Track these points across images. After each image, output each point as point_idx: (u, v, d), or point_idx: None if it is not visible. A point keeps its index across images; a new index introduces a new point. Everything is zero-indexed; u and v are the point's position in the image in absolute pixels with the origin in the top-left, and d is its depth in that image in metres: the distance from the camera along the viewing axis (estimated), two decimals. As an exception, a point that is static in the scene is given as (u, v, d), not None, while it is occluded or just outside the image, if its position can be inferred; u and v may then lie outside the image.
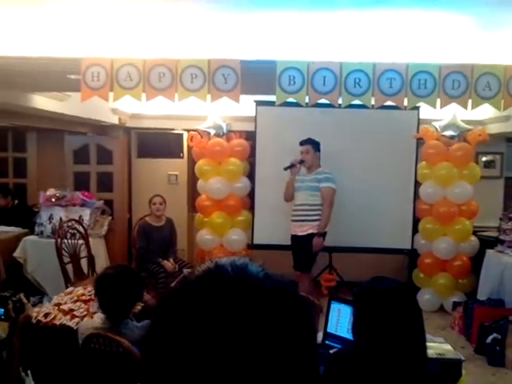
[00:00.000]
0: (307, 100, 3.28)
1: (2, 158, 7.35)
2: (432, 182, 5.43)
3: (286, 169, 5.00)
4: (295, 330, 0.62)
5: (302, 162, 4.98)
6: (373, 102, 3.31)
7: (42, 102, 4.68)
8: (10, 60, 3.36)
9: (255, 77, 3.31)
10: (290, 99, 3.25)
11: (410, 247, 5.73)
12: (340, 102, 3.31)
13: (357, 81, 3.15)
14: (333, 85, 3.15)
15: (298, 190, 5.00)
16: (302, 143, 4.97)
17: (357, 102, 3.28)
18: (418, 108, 5.08)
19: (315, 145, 4.97)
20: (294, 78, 3.13)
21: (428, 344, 2.52)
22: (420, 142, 5.59)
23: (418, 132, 5.55)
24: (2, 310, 2.43)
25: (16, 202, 6.42)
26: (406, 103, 3.33)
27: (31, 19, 2.74)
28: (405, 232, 5.73)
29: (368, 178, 5.63)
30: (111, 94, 3.19)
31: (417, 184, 5.65)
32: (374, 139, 5.63)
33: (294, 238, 5.01)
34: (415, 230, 5.67)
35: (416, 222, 5.67)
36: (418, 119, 5.54)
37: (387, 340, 1.61)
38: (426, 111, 5.07)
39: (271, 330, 0.60)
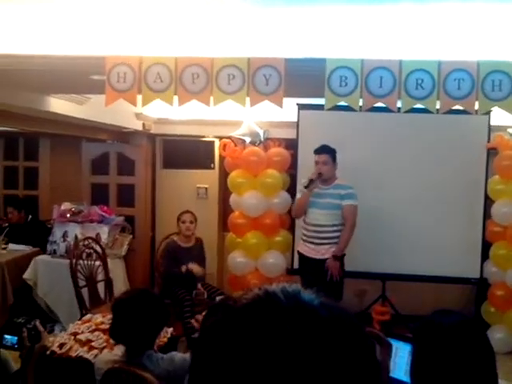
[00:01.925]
0: (361, 103, 3.28)
1: (13, 167, 7.59)
2: (507, 200, 5.32)
3: (307, 187, 4.80)
4: (356, 364, 0.63)
5: (319, 174, 4.82)
6: (437, 106, 3.28)
7: (59, 105, 4.81)
8: (25, 59, 3.48)
9: (300, 77, 3.33)
10: (341, 102, 3.26)
11: (478, 276, 5.61)
12: (399, 105, 3.30)
13: (419, 82, 3.13)
14: (391, 86, 3.14)
15: (314, 207, 4.87)
16: (318, 152, 4.86)
17: (418, 106, 3.26)
18: (489, 113, 5.01)
19: (333, 154, 4.86)
20: (346, 78, 3.13)
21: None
22: (492, 152, 5.50)
23: (488, 140, 5.47)
24: (16, 338, 2.49)
25: (30, 217, 6.59)
26: (476, 107, 3.29)
27: (50, 14, 2.84)
28: (472, 258, 5.62)
29: (429, 194, 5.57)
30: (139, 98, 3.26)
31: (487, 202, 5.54)
32: (436, 148, 5.57)
33: (314, 262, 4.88)
34: (485, 256, 5.55)
35: (486, 246, 5.55)
36: (489, 126, 5.46)
37: None
38: (497, 117, 4.99)
39: (331, 364, 0.61)
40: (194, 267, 5.31)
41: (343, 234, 4.82)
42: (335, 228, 4.85)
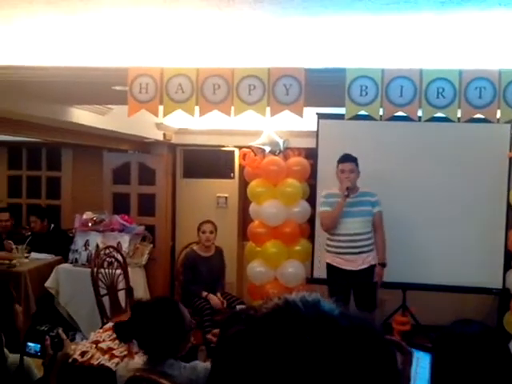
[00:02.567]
0: (381, 113, 3.27)
1: (35, 176, 7.69)
2: (529, 209, 5.27)
3: (348, 195, 4.75)
4: (378, 374, 0.63)
5: (350, 183, 4.79)
6: (458, 115, 3.26)
7: (81, 115, 4.87)
8: (49, 70, 3.54)
9: (321, 87, 3.33)
10: (361, 112, 3.26)
11: (500, 286, 5.54)
12: (419, 114, 3.29)
13: (440, 90, 3.11)
14: (411, 95, 3.13)
15: (347, 216, 4.83)
16: (343, 161, 4.85)
17: (439, 115, 3.25)
18: (511, 122, 4.96)
19: (357, 161, 4.87)
20: (367, 87, 3.13)
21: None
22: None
23: (510, 149, 5.41)
24: (39, 345, 2.51)
25: (52, 226, 6.66)
26: (498, 116, 3.27)
27: (73, 26, 2.88)
28: (494, 268, 5.56)
29: (450, 203, 5.52)
30: (161, 108, 3.29)
31: (510, 211, 5.48)
32: (457, 157, 5.53)
33: (349, 274, 4.83)
34: (507, 266, 5.48)
35: (508, 255, 5.48)
36: (511, 134, 5.41)
37: None
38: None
39: (352, 373, 0.61)
40: (213, 299, 5.31)
41: (381, 241, 4.85)
42: (369, 235, 4.86)
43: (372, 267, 4.86)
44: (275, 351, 0.61)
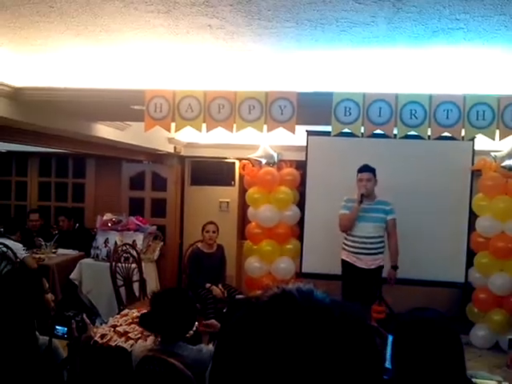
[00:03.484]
0: (362, 130, 3.29)
1: (63, 183, 7.68)
2: (489, 215, 5.26)
3: (362, 202, 4.66)
4: (363, 361, 0.63)
5: (366, 190, 4.68)
6: (429, 133, 3.28)
7: (104, 130, 4.87)
8: (79, 92, 3.56)
9: (311, 108, 3.35)
10: (345, 130, 3.27)
11: (463, 281, 5.55)
12: (395, 132, 3.30)
13: (413, 112, 3.14)
14: (388, 116, 3.15)
15: (363, 220, 4.72)
16: (362, 171, 4.71)
17: (412, 133, 3.27)
18: (473, 139, 4.99)
19: (374, 172, 4.73)
20: (350, 109, 3.15)
21: (486, 381, 2.44)
22: (476, 173, 5.46)
23: (472, 163, 5.43)
24: (66, 328, 2.51)
25: (77, 225, 6.66)
26: (462, 134, 3.29)
27: (98, 54, 2.90)
28: (458, 265, 5.56)
29: (420, 207, 5.52)
30: (172, 125, 3.30)
31: (471, 216, 5.50)
32: (428, 169, 5.54)
33: (361, 271, 4.74)
34: (469, 263, 5.49)
35: (470, 254, 5.49)
36: (473, 150, 5.43)
37: (425, 371, 1.59)
38: (481, 142, 4.96)
39: (338, 359, 0.60)
40: (216, 289, 5.31)
41: (394, 246, 4.79)
42: (380, 239, 4.78)
43: (380, 268, 4.78)
44: (273, 335, 0.61)
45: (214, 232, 5.51)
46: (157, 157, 6.67)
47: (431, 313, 1.73)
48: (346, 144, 5.44)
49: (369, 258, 4.73)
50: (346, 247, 4.85)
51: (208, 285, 5.31)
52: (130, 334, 3.45)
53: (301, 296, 0.65)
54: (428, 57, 2.80)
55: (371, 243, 4.73)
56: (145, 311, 2.93)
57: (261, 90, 3.24)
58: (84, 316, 2.59)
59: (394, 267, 4.80)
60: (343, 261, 4.88)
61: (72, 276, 5.88)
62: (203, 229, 5.54)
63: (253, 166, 5.96)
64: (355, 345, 0.63)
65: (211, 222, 5.58)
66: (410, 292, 5.67)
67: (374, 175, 4.73)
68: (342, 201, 4.87)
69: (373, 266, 4.74)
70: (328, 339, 0.61)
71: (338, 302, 0.66)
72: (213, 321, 3.02)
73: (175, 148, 6.50)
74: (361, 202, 4.65)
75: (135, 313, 3.80)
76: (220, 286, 5.40)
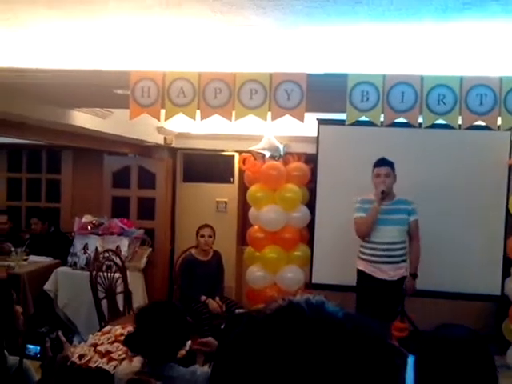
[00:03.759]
0: (382, 119, 3.28)
1: (36, 179, 7.69)
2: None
3: (383, 199, 4.59)
4: (379, 376, 0.63)
5: (386, 187, 4.62)
6: (459, 122, 3.27)
7: (82, 118, 4.87)
8: (53, 73, 3.55)
9: (322, 92, 3.34)
10: (362, 118, 3.26)
11: (498, 293, 5.54)
12: (420, 121, 3.29)
13: (441, 97, 3.12)
14: (412, 102, 3.13)
15: (384, 224, 4.63)
16: (380, 164, 4.65)
17: (440, 121, 3.25)
18: (511, 129, 4.96)
19: (393, 166, 4.67)
20: (368, 93, 3.13)
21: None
22: (513, 168, 5.47)
23: (510, 156, 5.42)
24: (39, 347, 2.51)
25: (52, 228, 6.67)
26: (499, 122, 3.28)
27: (75, 30, 2.89)
28: (493, 275, 5.55)
29: (449, 209, 5.52)
30: (162, 112, 3.30)
31: (508, 218, 5.49)
32: (457, 164, 5.54)
33: (381, 283, 4.66)
34: (506, 273, 5.48)
35: (507, 262, 5.48)
36: (511, 142, 5.42)
37: None
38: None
39: (355, 375, 0.61)
40: (212, 303, 5.32)
41: (416, 251, 4.74)
42: (404, 245, 4.72)
43: (403, 279, 4.71)
44: (278, 353, 0.61)
45: (210, 236, 5.52)
46: (144, 149, 6.68)
47: (460, 330, 1.73)
48: (362, 134, 5.43)
49: (391, 267, 4.66)
50: (364, 256, 4.76)
51: (203, 298, 5.32)
52: (112, 354, 3.46)
53: (310, 309, 0.65)
54: (458, 32, 2.79)
55: (394, 249, 4.66)
56: (131, 329, 2.93)
57: (264, 72, 3.23)
58: (60, 333, 2.58)
59: (414, 275, 4.74)
60: (359, 271, 4.82)
61: (46, 287, 5.90)
62: (197, 233, 5.55)
63: (255, 159, 5.97)
64: (371, 365, 0.63)
65: (207, 225, 5.59)
66: (436, 306, 5.68)
67: (393, 170, 4.67)
68: (355, 202, 4.79)
69: (395, 278, 4.67)
70: (341, 358, 0.61)
71: (353, 316, 0.67)
72: (209, 338, 3.01)
73: (165, 139, 6.51)
74: (383, 199, 4.57)
75: (119, 330, 3.81)
76: (217, 299, 5.41)
